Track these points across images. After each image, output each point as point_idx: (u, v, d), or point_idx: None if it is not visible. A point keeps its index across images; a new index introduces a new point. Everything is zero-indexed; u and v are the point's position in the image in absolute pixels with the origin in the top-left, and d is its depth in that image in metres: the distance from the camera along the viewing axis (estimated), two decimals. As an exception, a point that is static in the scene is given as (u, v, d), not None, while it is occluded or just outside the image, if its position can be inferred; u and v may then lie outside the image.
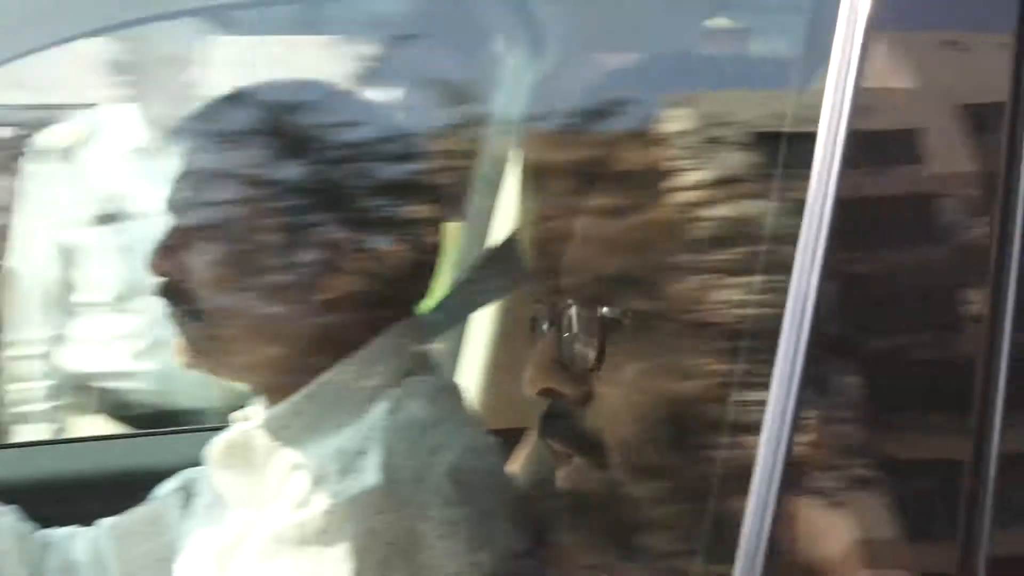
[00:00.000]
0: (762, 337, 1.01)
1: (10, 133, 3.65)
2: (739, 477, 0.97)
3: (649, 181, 1.19)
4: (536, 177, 1.32)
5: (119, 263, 3.07)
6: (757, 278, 1.08)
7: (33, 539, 1.77)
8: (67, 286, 3.15)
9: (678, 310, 1.17)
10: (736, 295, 1.12)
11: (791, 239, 0.99)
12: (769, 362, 0.97)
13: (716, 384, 1.11)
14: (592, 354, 1.21)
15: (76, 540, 1.79)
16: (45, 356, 3.16)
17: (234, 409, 1.65)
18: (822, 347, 0.98)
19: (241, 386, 1.64)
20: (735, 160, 1.15)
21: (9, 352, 3.17)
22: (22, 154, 3.17)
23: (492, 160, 2.18)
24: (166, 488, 1.76)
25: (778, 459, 0.96)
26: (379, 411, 1.49)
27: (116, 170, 3.12)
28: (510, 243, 1.88)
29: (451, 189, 2.00)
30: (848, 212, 0.98)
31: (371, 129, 1.63)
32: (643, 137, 1.24)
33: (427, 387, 1.53)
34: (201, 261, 1.54)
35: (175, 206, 1.59)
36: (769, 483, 0.96)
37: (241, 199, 1.55)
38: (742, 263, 1.11)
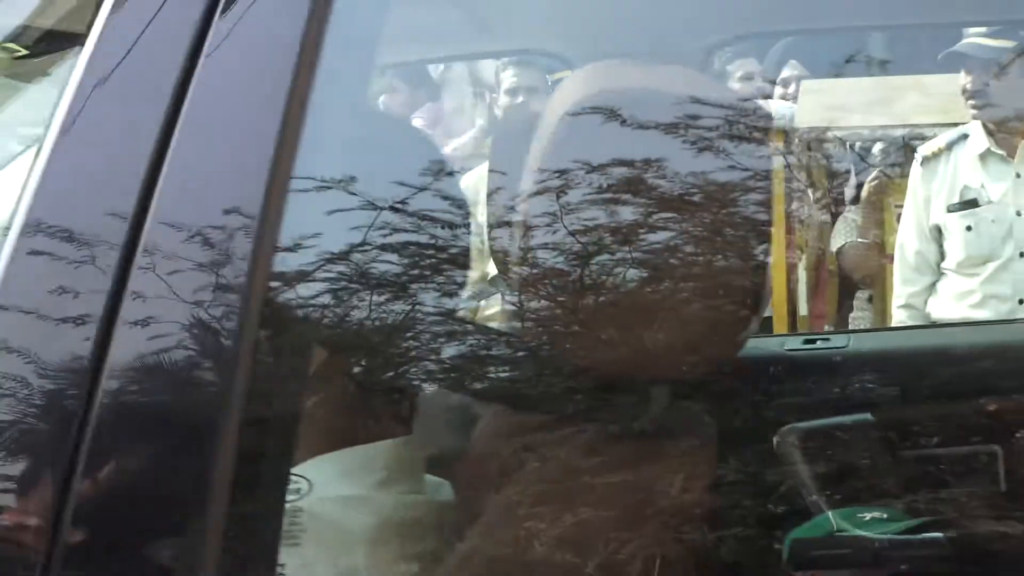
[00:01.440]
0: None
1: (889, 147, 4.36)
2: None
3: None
4: None
5: (965, 239, 3.63)
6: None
7: None
8: (932, 255, 3.73)
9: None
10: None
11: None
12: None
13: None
14: None
15: None
16: (913, 307, 3.77)
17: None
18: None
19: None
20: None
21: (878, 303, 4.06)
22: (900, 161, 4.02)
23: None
24: None
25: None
26: None
27: (968, 172, 3.67)
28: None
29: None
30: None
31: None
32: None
33: None
34: None
35: None
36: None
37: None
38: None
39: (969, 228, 3.63)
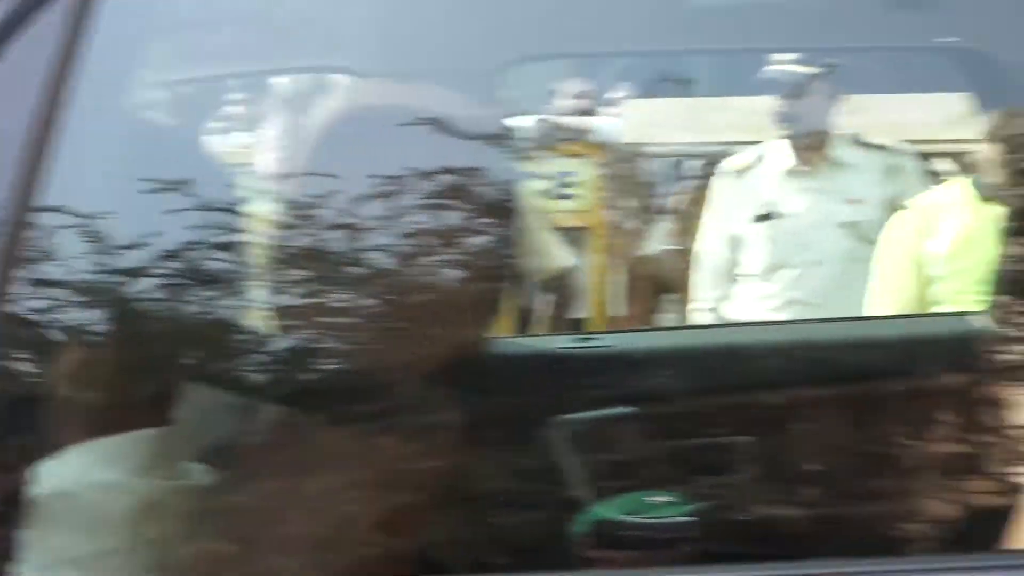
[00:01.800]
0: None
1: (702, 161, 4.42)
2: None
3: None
4: None
5: (766, 248, 3.73)
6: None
7: None
8: (733, 263, 3.80)
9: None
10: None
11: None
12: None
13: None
14: None
15: None
16: (714, 310, 3.84)
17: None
18: None
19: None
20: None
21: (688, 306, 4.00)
22: (712, 175, 3.95)
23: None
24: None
25: None
26: None
27: (771, 185, 3.77)
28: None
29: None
30: None
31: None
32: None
33: None
34: None
35: None
36: None
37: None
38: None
39: (770, 238, 3.73)
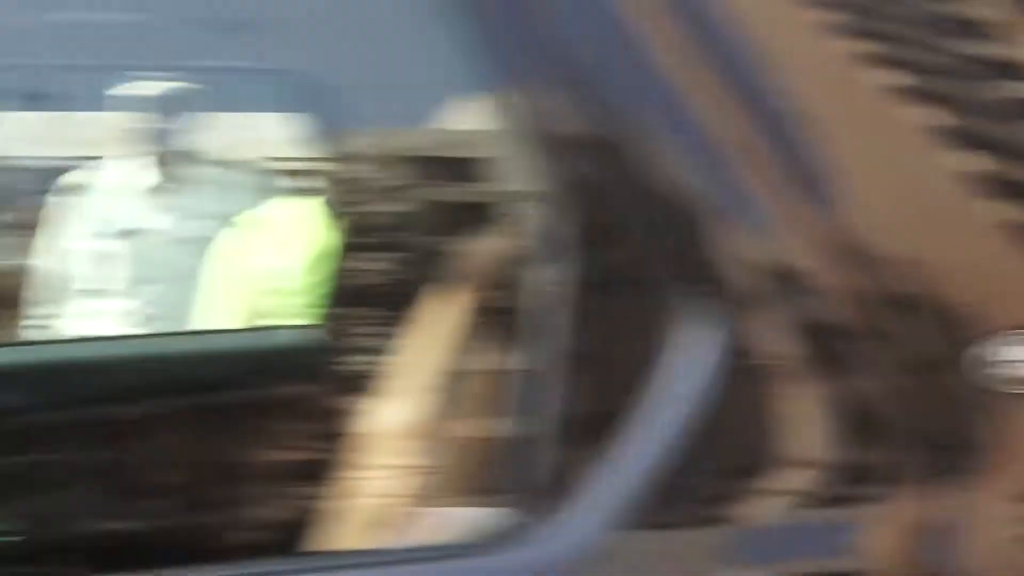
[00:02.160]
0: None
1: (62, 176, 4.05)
2: None
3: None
4: None
5: (127, 265, 3.69)
6: None
7: None
8: (72, 279, 3.71)
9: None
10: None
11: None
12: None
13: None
14: None
15: None
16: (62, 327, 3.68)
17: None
18: None
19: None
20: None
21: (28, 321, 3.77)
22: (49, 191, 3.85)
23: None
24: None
25: None
26: None
27: (126, 202, 3.72)
28: None
29: None
30: None
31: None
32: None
33: None
34: None
35: None
36: None
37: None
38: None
39: (125, 255, 3.70)
